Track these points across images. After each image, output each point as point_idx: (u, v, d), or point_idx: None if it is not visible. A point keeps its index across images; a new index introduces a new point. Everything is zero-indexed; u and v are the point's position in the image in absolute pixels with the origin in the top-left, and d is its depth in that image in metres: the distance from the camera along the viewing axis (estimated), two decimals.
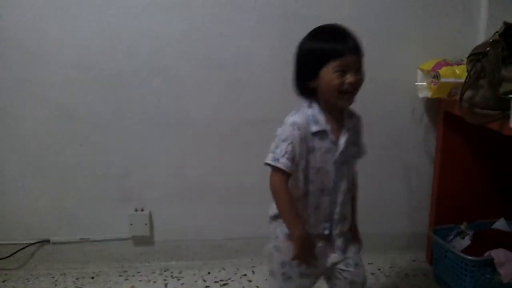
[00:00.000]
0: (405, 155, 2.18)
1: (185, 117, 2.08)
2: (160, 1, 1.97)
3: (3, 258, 2.14)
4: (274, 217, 1.41)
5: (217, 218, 2.21)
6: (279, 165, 1.29)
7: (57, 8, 1.95)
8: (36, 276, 2.14)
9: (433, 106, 2.10)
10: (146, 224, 2.17)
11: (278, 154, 1.29)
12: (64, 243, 2.18)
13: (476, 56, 1.56)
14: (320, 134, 1.32)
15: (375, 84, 2.02)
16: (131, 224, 2.17)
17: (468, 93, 1.58)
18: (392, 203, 2.24)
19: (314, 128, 1.31)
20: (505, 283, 1.78)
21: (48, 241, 2.17)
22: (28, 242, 2.15)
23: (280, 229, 1.39)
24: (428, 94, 1.94)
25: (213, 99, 2.07)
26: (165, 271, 2.18)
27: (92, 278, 2.13)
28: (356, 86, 1.28)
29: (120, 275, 2.15)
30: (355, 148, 1.40)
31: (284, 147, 1.29)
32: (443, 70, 1.82)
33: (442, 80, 1.82)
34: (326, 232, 1.40)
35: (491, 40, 1.50)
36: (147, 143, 2.10)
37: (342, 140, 1.34)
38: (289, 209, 1.32)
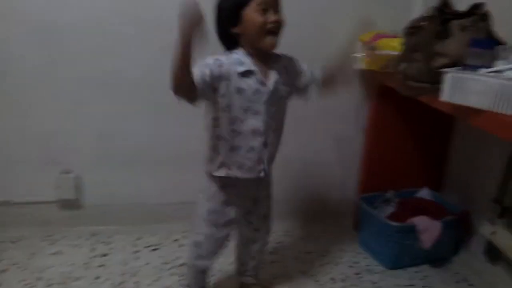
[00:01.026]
0: (337, 125, 2.22)
1: (121, 78, 1.99)
2: None
3: None
4: (208, 173, 1.49)
5: (149, 183, 2.16)
6: (201, 74, 1.31)
7: None
8: None
9: (366, 77, 2.14)
10: (72, 187, 2.09)
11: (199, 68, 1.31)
12: None
13: (412, 30, 1.59)
14: (247, 74, 1.36)
15: (309, 54, 2.03)
16: (57, 187, 2.08)
17: (402, 66, 1.62)
18: (324, 171, 2.28)
19: (240, 69, 1.35)
20: (425, 248, 1.89)
21: None
22: None
23: (212, 183, 1.49)
24: (362, 65, 1.96)
25: (150, 60, 1.97)
26: (93, 235, 2.12)
27: (13, 242, 2.03)
28: (278, 25, 1.33)
29: (43, 240, 2.07)
30: (286, 88, 1.44)
31: (201, 64, 1.31)
32: (379, 42, 1.85)
33: (378, 52, 1.84)
34: (262, 174, 1.46)
35: (427, 15, 1.53)
36: (78, 102, 2.00)
37: (271, 80, 1.38)
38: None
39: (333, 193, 2.33)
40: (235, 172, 1.45)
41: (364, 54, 1.94)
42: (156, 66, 1.96)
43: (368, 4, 2.04)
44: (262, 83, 1.37)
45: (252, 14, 1.30)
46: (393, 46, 1.80)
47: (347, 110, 2.21)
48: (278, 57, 1.43)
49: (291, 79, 1.46)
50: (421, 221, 1.91)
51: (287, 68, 1.44)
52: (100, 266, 1.93)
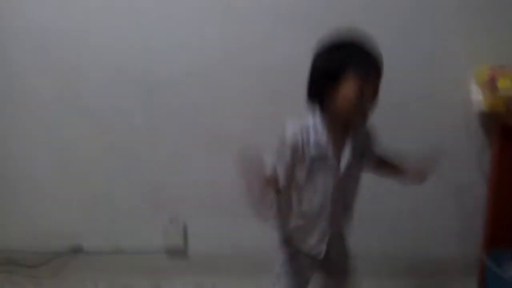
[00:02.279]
0: (458, 174, 2.03)
1: (223, 127, 2.03)
2: (200, 10, 1.93)
3: (36, 266, 2.14)
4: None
5: (252, 232, 2.11)
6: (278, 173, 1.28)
7: (96, 17, 1.95)
8: (68, 285, 2.13)
9: (488, 119, 1.95)
10: (180, 235, 2.13)
11: (277, 168, 1.28)
12: (97, 252, 2.16)
13: None
14: (321, 157, 1.27)
15: (426, 97, 1.93)
16: (165, 236, 2.13)
17: None
18: (442, 225, 2.09)
19: (314, 152, 1.27)
20: None
21: (81, 250, 2.16)
22: (62, 250, 2.14)
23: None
24: (483, 106, 1.81)
25: (252, 111, 2.00)
26: (198, 285, 2.13)
27: None
28: (371, 107, 1.24)
29: None
30: (359, 164, 1.35)
31: (280, 168, 1.28)
32: (501, 81, 1.70)
33: (500, 91, 1.69)
34: (322, 256, 1.40)
35: None
36: (184, 153, 2.06)
37: (345, 159, 1.29)
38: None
39: (453, 248, 2.12)
40: (298, 247, 1.41)
41: (480, 95, 1.78)
42: (258, 116, 2.01)
43: (480, 37, 1.89)
44: (334, 167, 1.29)
45: (349, 90, 1.20)
46: None
47: (467, 156, 2.02)
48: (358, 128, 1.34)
49: (365, 152, 1.37)
50: None
51: (364, 142, 1.36)
52: None
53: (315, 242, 1.38)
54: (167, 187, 2.10)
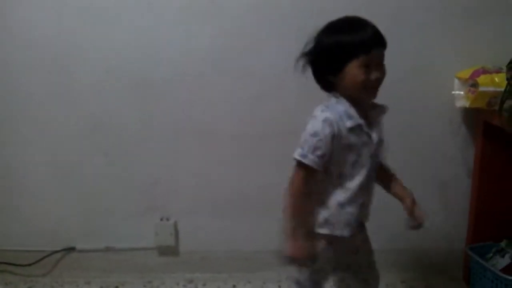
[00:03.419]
0: (441, 169, 2.08)
1: (212, 127, 2.05)
2: (189, 13, 1.95)
3: (29, 264, 2.15)
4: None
5: (244, 230, 2.16)
6: (306, 161, 1.25)
7: (87, 17, 1.96)
8: (61, 283, 2.15)
9: (471, 116, 1.99)
10: (171, 234, 2.14)
11: (306, 150, 1.25)
12: (89, 251, 2.17)
13: None
14: (356, 128, 1.27)
15: (410, 94, 1.97)
16: (157, 234, 2.14)
17: (508, 103, 1.49)
18: (427, 219, 2.12)
19: (349, 124, 1.26)
20: None
21: (73, 248, 2.17)
22: (54, 249, 2.15)
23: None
24: (465, 103, 1.84)
25: (240, 109, 2.03)
26: (189, 282, 2.15)
27: (117, 287, 2.12)
28: (380, 81, 1.26)
29: (144, 286, 2.13)
30: (382, 139, 1.35)
31: (313, 142, 1.24)
32: (481, 78, 1.73)
33: (481, 89, 1.73)
34: (359, 229, 1.42)
35: None
36: (174, 152, 2.08)
37: (375, 132, 1.30)
38: (298, 213, 1.32)
39: (438, 243, 2.14)
40: (339, 231, 1.35)
41: (462, 92, 1.83)
42: (247, 114, 2.05)
43: (467, 38, 1.94)
44: (369, 136, 1.29)
45: (354, 69, 1.23)
46: (497, 82, 1.67)
47: (451, 152, 2.06)
48: (375, 104, 1.34)
49: (381, 130, 1.37)
50: None
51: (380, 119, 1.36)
52: None
53: (355, 221, 1.35)
54: (158, 186, 2.11)
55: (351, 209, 1.33)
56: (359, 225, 1.41)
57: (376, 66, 1.24)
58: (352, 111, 1.27)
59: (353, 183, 1.31)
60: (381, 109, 1.34)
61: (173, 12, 1.96)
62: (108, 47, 1.98)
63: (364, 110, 1.30)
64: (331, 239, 1.37)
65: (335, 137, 1.24)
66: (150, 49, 1.98)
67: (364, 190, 1.34)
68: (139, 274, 2.18)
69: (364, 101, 1.30)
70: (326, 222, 1.35)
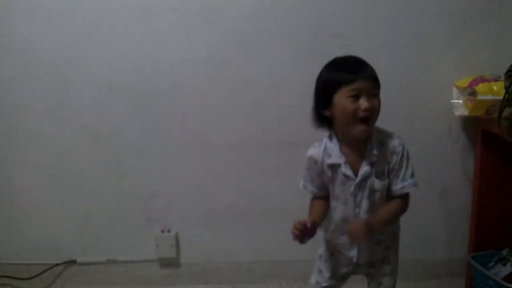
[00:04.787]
0: (442, 177, 2.08)
1: (211, 137, 2.06)
2: (186, 23, 1.97)
3: (30, 278, 2.14)
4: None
5: (244, 241, 2.16)
6: (307, 190, 1.45)
7: (85, 32, 1.98)
8: None
9: (470, 124, 2.00)
10: (172, 245, 2.14)
11: (304, 180, 1.45)
12: (90, 263, 2.17)
13: None
14: (334, 166, 1.35)
15: (409, 103, 1.98)
16: (157, 246, 2.14)
17: (507, 111, 1.49)
18: (428, 227, 2.12)
19: (328, 161, 1.36)
20: None
21: (74, 261, 2.16)
22: (55, 262, 2.15)
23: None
24: (464, 112, 1.85)
25: (238, 120, 2.04)
26: None
27: None
28: (371, 112, 1.28)
29: None
30: (382, 182, 1.34)
31: (306, 175, 1.44)
32: (479, 87, 1.74)
33: (479, 97, 1.74)
34: (354, 260, 1.44)
35: None
36: (173, 163, 2.08)
37: (361, 172, 1.33)
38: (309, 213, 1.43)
39: (439, 252, 2.15)
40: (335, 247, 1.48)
41: (461, 100, 1.83)
42: (245, 125, 2.05)
43: (465, 47, 1.95)
44: (347, 177, 1.34)
45: (342, 100, 1.27)
46: (495, 90, 1.68)
47: (451, 160, 2.06)
48: (385, 144, 1.34)
49: (387, 171, 1.36)
50: None
51: (389, 159, 1.35)
52: None
53: (346, 247, 1.44)
54: (159, 197, 2.11)
55: (337, 236, 1.43)
56: (351, 260, 1.45)
57: (365, 96, 1.26)
58: (335, 148, 1.35)
59: (336, 215, 1.41)
60: (390, 150, 1.34)
61: (171, 22, 1.97)
62: (106, 59, 1.99)
63: (359, 148, 1.33)
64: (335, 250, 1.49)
65: (319, 172, 1.39)
66: (148, 59, 2.00)
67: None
68: (140, 287, 2.17)
69: (356, 137, 1.31)
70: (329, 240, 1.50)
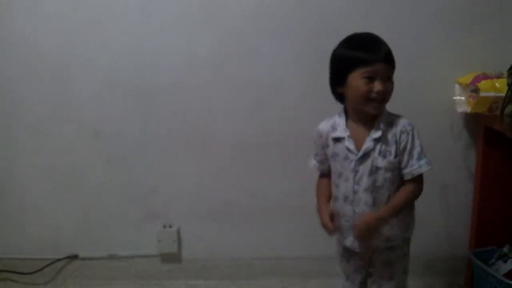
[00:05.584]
0: (443, 173, 2.06)
1: (212, 135, 2.06)
2: (187, 21, 1.97)
3: (31, 273, 2.15)
4: None
5: (245, 237, 2.16)
6: (312, 164, 1.49)
7: (86, 28, 1.98)
8: None
9: (472, 121, 2.00)
10: (174, 241, 2.14)
11: (312, 155, 1.48)
12: (92, 259, 2.18)
13: None
14: (338, 139, 1.36)
15: (412, 100, 1.97)
16: (159, 241, 2.15)
17: (509, 107, 1.49)
18: (429, 224, 2.10)
19: (333, 135, 1.37)
20: None
21: (76, 256, 2.17)
22: (57, 257, 2.15)
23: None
24: (467, 109, 1.85)
25: (239, 117, 2.04)
26: None
27: None
28: (384, 94, 1.29)
29: None
30: (386, 159, 1.32)
31: (314, 149, 1.46)
32: (482, 84, 1.74)
33: (482, 94, 1.73)
34: (354, 247, 1.40)
35: None
36: (174, 160, 2.09)
37: (363, 148, 1.32)
38: (317, 195, 1.46)
39: (440, 248, 2.14)
40: (340, 237, 1.44)
41: (463, 97, 1.83)
42: (246, 122, 2.05)
43: (468, 44, 1.94)
44: (350, 150, 1.33)
45: (357, 81, 1.28)
46: (498, 87, 1.67)
47: (453, 157, 2.05)
48: (395, 123, 1.33)
49: (394, 150, 1.33)
50: None
51: (394, 138, 1.33)
52: None
53: (345, 230, 1.40)
54: (160, 193, 2.12)
55: (340, 217, 1.39)
56: (350, 243, 1.40)
57: (379, 79, 1.26)
58: (342, 123, 1.36)
59: (339, 192, 1.39)
60: (399, 129, 1.33)
61: (172, 21, 1.97)
62: (108, 56, 2.00)
63: (368, 124, 1.33)
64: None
65: (324, 146, 1.42)
66: (149, 57, 2.00)
67: (349, 203, 1.36)
68: (142, 282, 2.18)
69: (367, 113, 1.32)
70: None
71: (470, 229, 2.06)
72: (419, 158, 1.33)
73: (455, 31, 1.95)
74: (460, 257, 2.09)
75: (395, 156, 1.33)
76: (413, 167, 1.33)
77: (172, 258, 2.18)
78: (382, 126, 1.32)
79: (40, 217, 2.15)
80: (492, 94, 1.72)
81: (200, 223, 2.14)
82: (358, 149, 1.33)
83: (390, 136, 1.33)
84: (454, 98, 1.92)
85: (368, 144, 1.32)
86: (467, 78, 1.83)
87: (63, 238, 2.16)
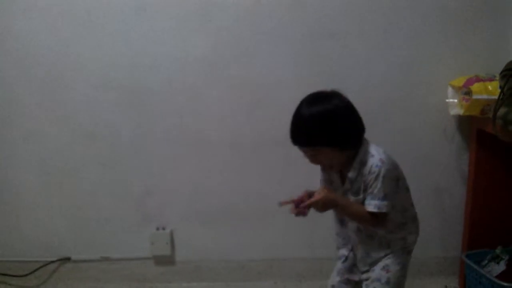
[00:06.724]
0: (436, 176, 2.08)
1: (206, 136, 2.06)
2: (182, 22, 1.96)
3: (24, 275, 2.14)
4: None
5: (239, 239, 2.16)
6: None
7: (81, 30, 1.97)
8: None
9: (465, 123, 2.01)
10: (167, 243, 2.13)
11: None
12: (85, 261, 2.17)
13: (510, 72, 1.48)
14: (330, 181, 1.51)
15: (405, 102, 1.98)
16: (152, 243, 2.14)
17: (502, 110, 1.50)
18: (422, 226, 2.10)
19: (323, 176, 1.54)
20: None
21: (69, 259, 2.16)
22: (49, 259, 2.14)
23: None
24: (459, 111, 1.85)
25: (234, 119, 2.04)
26: None
27: None
28: (323, 166, 1.47)
29: None
30: (356, 197, 1.42)
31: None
32: (475, 87, 1.74)
33: (474, 96, 1.74)
34: (342, 260, 1.60)
35: None
36: (168, 162, 2.08)
37: (344, 186, 1.44)
38: None
39: (434, 250, 2.15)
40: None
41: (456, 100, 1.84)
42: (241, 124, 2.05)
43: (461, 47, 1.95)
44: (336, 183, 1.48)
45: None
46: (490, 90, 1.68)
47: (446, 159, 2.07)
48: (365, 162, 1.38)
49: (362, 189, 1.41)
50: None
51: (366, 178, 1.38)
52: None
53: (341, 245, 1.60)
54: (154, 195, 2.11)
55: (339, 239, 1.60)
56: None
57: (308, 157, 1.40)
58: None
59: (334, 214, 1.58)
60: (367, 171, 1.38)
61: (166, 23, 1.97)
62: (102, 57, 1.99)
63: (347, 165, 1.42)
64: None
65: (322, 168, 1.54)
66: (143, 59, 1.99)
67: (342, 227, 1.58)
68: (135, 284, 2.17)
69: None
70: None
71: (463, 231, 2.06)
72: (373, 198, 1.36)
73: (448, 34, 1.96)
74: (453, 259, 2.10)
75: (363, 193, 1.40)
76: (367, 204, 1.38)
77: (165, 260, 2.17)
78: (356, 166, 1.39)
79: (33, 219, 2.14)
80: (484, 96, 1.72)
81: (193, 225, 2.14)
82: (343, 182, 1.45)
83: (361, 175, 1.39)
84: (447, 100, 1.93)
85: (346, 185, 1.43)
86: (460, 81, 1.83)
87: (56, 240, 2.15)
